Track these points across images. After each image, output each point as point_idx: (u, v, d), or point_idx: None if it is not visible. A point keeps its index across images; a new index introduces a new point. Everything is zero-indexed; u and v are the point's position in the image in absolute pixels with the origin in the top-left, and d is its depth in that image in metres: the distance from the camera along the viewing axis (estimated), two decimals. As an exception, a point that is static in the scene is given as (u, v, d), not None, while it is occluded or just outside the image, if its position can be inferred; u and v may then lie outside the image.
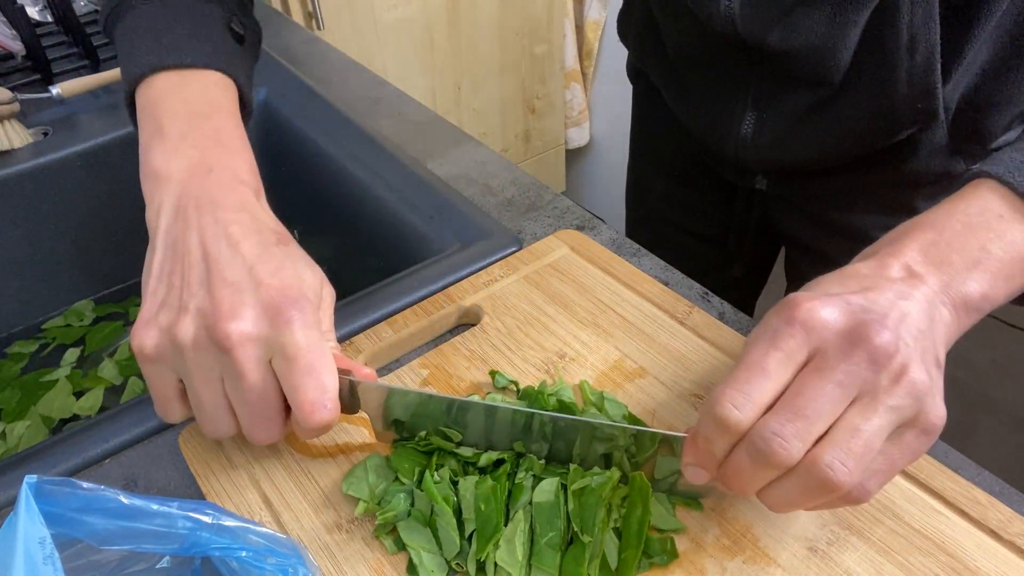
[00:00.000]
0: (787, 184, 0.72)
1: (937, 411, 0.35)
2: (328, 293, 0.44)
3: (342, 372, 0.42)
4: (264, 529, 0.36)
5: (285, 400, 0.41)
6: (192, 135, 0.45)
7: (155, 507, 0.34)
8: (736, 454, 0.35)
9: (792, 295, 0.36)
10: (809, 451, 0.34)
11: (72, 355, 0.80)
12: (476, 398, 0.48)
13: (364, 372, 0.43)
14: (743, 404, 0.34)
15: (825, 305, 0.35)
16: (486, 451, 0.45)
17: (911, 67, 0.56)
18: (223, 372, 0.40)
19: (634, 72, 0.84)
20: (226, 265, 0.40)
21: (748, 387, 0.34)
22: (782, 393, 0.35)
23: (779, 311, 0.36)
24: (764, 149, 0.67)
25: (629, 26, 0.79)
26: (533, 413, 0.42)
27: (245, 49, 0.53)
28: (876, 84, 0.58)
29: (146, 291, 0.41)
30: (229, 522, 0.35)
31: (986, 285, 0.37)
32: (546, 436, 0.43)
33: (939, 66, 0.56)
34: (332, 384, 0.40)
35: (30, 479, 0.32)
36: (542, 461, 0.45)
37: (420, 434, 0.46)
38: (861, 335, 0.34)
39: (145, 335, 0.40)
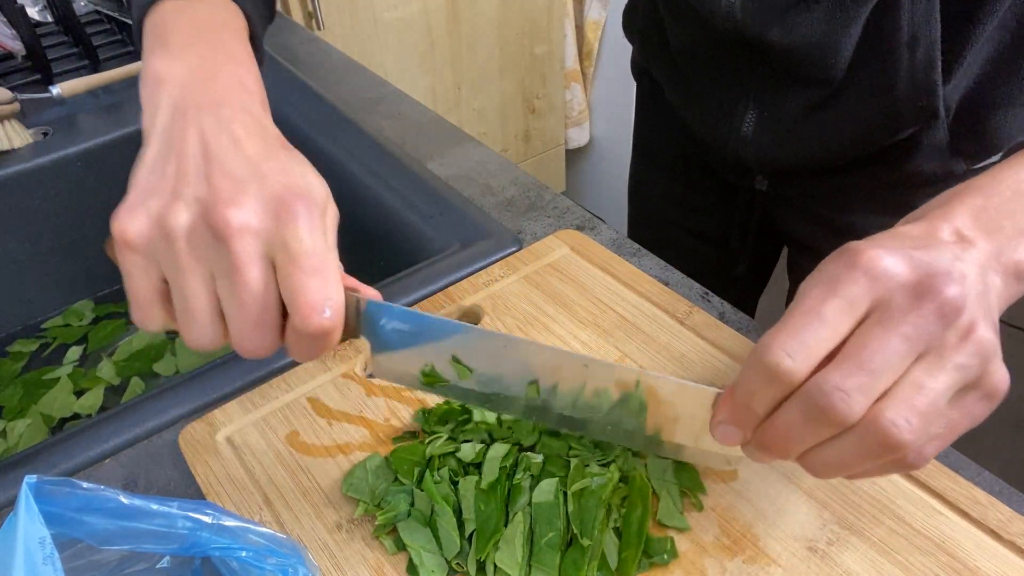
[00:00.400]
0: (788, 184, 0.72)
1: (1001, 374, 0.33)
2: (333, 209, 0.40)
3: (347, 289, 0.38)
4: (264, 529, 0.36)
5: (282, 309, 0.37)
6: (197, 45, 0.43)
7: (155, 507, 0.34)
8: (785, 410, 0.33)
9: (851, 243, 0.33)
10: (871, 407, 0.31)
11: (74, 353, 0.80)
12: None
13: (372, 293, 0.40)
14: (798, 352, 0.31)
15: (890, 254, 0.32)
16: (491, 399, 0.41)
17: (912, 64, 0.56)
18: (216, 266, 0.35)
19: (638, 71, 0.85)
20: (227, 157, 0.37)
21: (804, 334, 0.32)
22: (840, 345, 0.32)
23: (838, 257, 0.33)
24: (765, 148, 0.67)
25: (634, 22, 0.79)
26: (560, 351, 0.39)
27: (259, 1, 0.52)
28: (877, 82, 0.58)
29: (134, 182, 0.38)
30: (229, 522, 0.35)
31: None
32: (558, 387, 0.40)
33: (940, 63, 0.56)
34: (336, 289, 0.36)
35: (30, 479, 0.32)
36: (539, 460, 0.45)
37: (424, 367, 0.41)
38: (930, 287, 0.32)
39: (130, 220, 0.36)
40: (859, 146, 0.63)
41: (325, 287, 0.35)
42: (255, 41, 0.48)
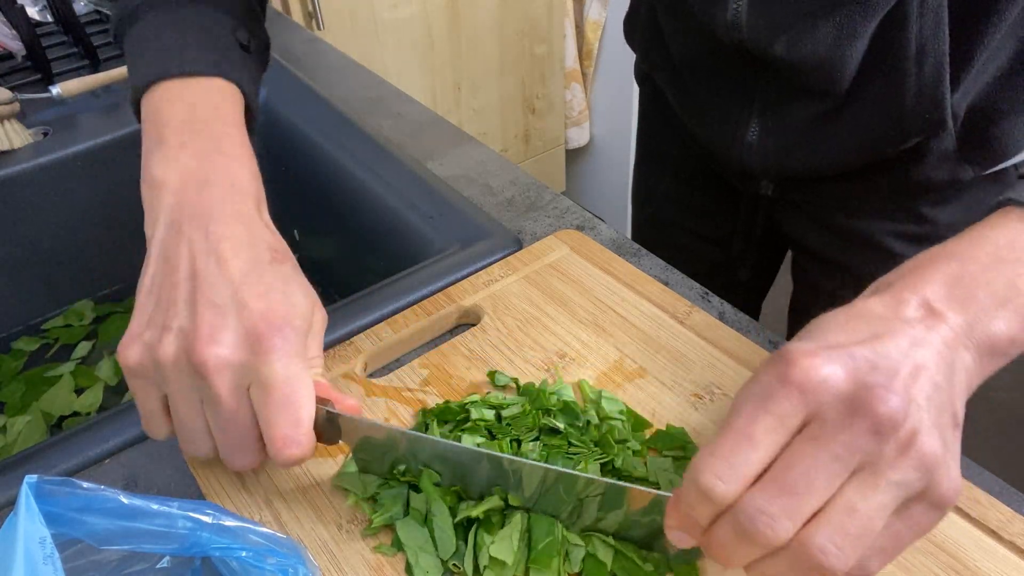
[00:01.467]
0: (793, 190, 0.72)
1: (950, 483, 0.31)
2: (320, 318, 0.43)
3: (322, 402, 0.41)
4: (264, 529, 0.36)
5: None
6: (192, 143, 0.44)
7: (155, 507, 0.34)
8: (720, 526, 0.32)
9: (789, 347, 0.32)
10: (800, 530, 0.30)
11: (83, 348, 0.81)
12: (466, 441, 0.46)
13: (348, 403, 0.42)
14: (727, 475, 0.31)
15: (825, 363, 0.31)
16: (466, 495, 0.43)
17: (920, 77, 0.56)
18: (202, 395, 0.39)
19: (641, 75, 0.84)
20: (212, 284, 0.39)
21: (734, 457, 0.31)
22: (772, 462, 0.31)
23: (773, 366, 0.32)
24: (770, 156, 0.66)
25: (635, 29, 0.78)
26: (523, 464, 0.40)
27: (252, 57, 0.53)
28: (884, 94, 0.58)
29: (137, 305, 0.41)
30: (229, 522, 0.35)
31: (1015, 326, 0.33)
32: (531, 487, 0.41)
33: (948, 76, 0.55)
34: (307, 419, 0.39)
35: (30, 479, 0.32)
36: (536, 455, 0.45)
37: (399, 468, 0.44)
38: (864, 401, 0.30)
39: (129, 351, 0.39)
40: (865, 155, 0.63)
41: (296, 418, 0.38)
42: (250, 109, 0.50)
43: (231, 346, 0.38)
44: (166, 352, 0.38)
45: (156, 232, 0.42)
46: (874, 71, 0.57)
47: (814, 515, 0.30)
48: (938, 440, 0.30)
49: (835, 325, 0.33)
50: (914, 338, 0.32)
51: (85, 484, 0.33)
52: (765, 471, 0.31)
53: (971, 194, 0.63)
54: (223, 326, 0.38)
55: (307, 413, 0.39)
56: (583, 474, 0.39)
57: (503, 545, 0.41)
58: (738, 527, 0.31)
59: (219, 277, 0.39)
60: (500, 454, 0.41)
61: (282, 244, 0.43)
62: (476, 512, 0.41)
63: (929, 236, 0.66)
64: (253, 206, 0.43)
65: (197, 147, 0.44)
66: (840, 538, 0.30)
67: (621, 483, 0.39)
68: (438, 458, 0.43)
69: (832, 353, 0.31)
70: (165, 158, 0.44)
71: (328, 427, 0.42)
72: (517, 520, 0.42)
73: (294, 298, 0.41)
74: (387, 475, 0.45)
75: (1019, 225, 0.36)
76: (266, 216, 0.44)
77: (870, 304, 0.34)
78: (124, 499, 0.34)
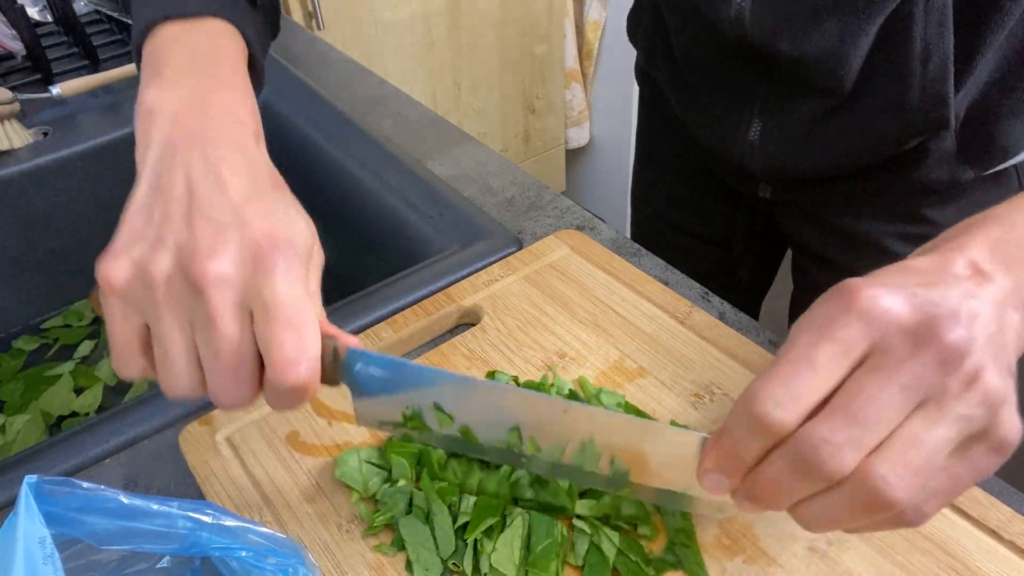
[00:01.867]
0: (792, 191, 0.72)
1: (1012, 424, 0.30)
2: (318, 253, 0.41)
3: (326, 337, 0.38)
4: (264, 529, 0.36)
5: (260, 360, 0.36)
6: (190, 75, 0.43)
7: (155, 507, 0.34)
8: (772, 461, 0.31)
9: (849, 281, 0.31)
10: (862, 462, 0.29)
11: (87, 347, 0.81)
12: (477, 377, 0.44)
13: (351, 341, 0.39)
14: (787, 402, 0.29)
15: (889, 293, 0.30)
16: (474, 446, 0.41)
17: (924, 76, 0.55)
18: (195, 317, 0.35)
19: (641, 74, 0.84)
20: (211, 201, 0.37)
21: (794, 382, 0.30)
22: (833, 392, 0.30)
23: (833, 297, 0.31)
24: (771, 156, 0.66)
25: (638, 26, 0.78)
26: (537, 398, 0.38)
27: (258, 12, 0.52)
28: (888, 93, 0.58)
29: (123, 223, 0.38)
30: (229, 522, 0.35)
31: None
32: (543, 428, 0.39)
33: (952, 75, 0.55)
34: (313, 343, 0.35)
35: (30, 479, 0.32)
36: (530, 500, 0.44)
37: (406, 412, 0.41)
38: (931, 330, 0.29)
39: (114, 265, 0.36)
40: (867, 155, 0.63)
41: (300, 340, 0.35)
42: (255, 65, 0.48)
43: (232, 261, 0.35)
44: (158, 267, 0.35)
45: (148, 156, 0.39)
46: (878, 70, 0.57)
47: (876, 448, 0.29)
48: (1001, 378, 0.30)
49: (889, 272, 0.33)
50: (967, 290, 0.31)
51: (85, 484, 0.33)
52: (825, 401, 0.30)
53: (972, 195, 0.63)
54: (224, 241, 0.35)
55: (313, 336, 0.36)
56: (611, 411, 0.37)
57: (504, 553, 0.41)
58: (797, 459, 0.30)
59: (218, 195, 0.37)
60: (521, 390, 0.38)
61: (279, 177, 0.41)
62: (474, 531, 0.41)
63: (930, 236, 0.66)
64: (252, 137, 0.42)
65: (196, 80, 0.42)
66: (903, 469, 0.29)
67: (651, 421, 0.37)
68: (452, 394, 0.39)
69: (895, 288, 0.30)
70: (161, 87, 0.42)
71: (332, 364, 0.38)
72: (518, 524, 0.42)
73: (296, 223, 0.38)
74: (389, 424, 0.42)
75: None
76: (264, 149, 0.42)
77: (918, 261, 0.33)
78: (124, 499, 0.33)
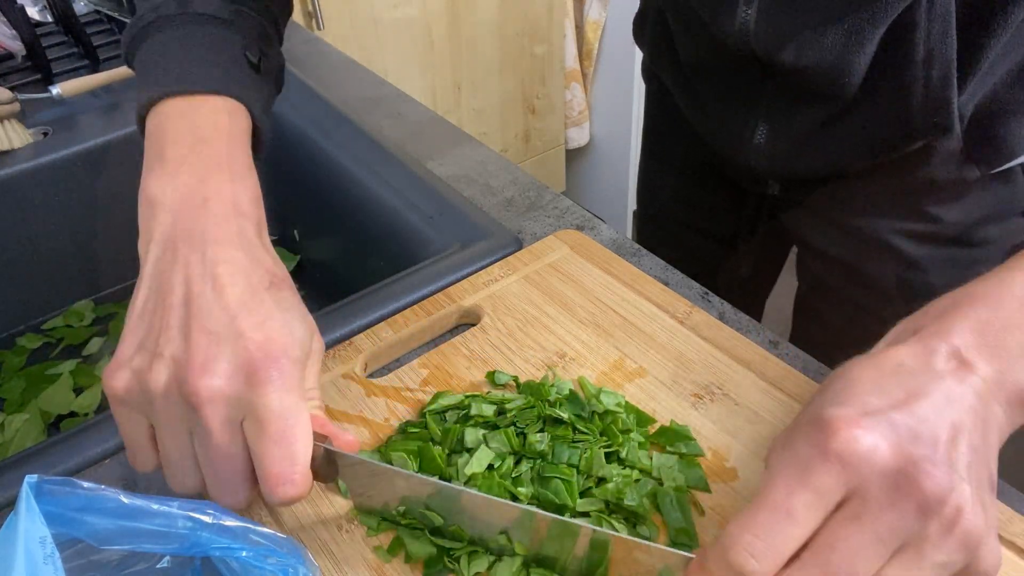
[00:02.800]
0: (799, 189, 0.72)
1: (992, 559, 0.30)
2: (318, 346, 0.42)
3: (319, 438, 0.39)
4: (264, 529, 0.36)
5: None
6: (191, 160, 0.42)
7: (155, 507, 0.34)
8: None
9: (827, 414, 0.30)
10: None
11: (96, 344, 0.82)
12: (463, 487, 0.43)
13: (346, 439, 0.40)
14: (762, 554, 0.29)
15: (867, 433, 0.29)
16: (469, 541, 0.42)
17: (927, 82, 0.55)
18: (192, 427, 0.37)
19: (648, 73, 0.84)
20: (207, 311, 0.37)
21: (770, 533, 0.29)
22: (808, 539, 0.29)
23: (811, 435, 0.30)
24: (777, 159, 0.67)
25: (644, 30, 0.78)
26: (528, 511, 0.39)
27: (263, 79, 0.51)
28: (891, 98, 0.58)
29: (126, 329, 0.39)
30: (229, 522, 0.35)
31: None
32: (538, 533, 0.40)
33: (956, 80, 0.55)
34: (303, 456, 0.37)
35: (31, 479, 0.32)
36: (543, 446, 0.45)
37: (399, 509, 0.42)
38: (910, 478, 0.28)
39: (116, 377, 0.38)
40: (871, 157, 0.63)
41: (290, 456, 0.36)
42: (259, 135, 0.48)
43: (225, 376, 0.36)
44: (156, 380, 0.37)
45: (150, 252, 0.40)
46: (881, 76, 0.57)
47: None
48: (981, 514, 0.29)
49: (867, 383, 0.32)
50: (948, 395, 0.31)
51: (85, 484, 0.33)
52: (801, 548, 0.30)
53: (977, 193, 0.63)
54: (217, 355, 0.36)
55: (303, 449, 0.37)
56: (596, 528, 0.37)
57: (505, 564, 0.41)
58: None
59: (215, 304, 0.37)
60: (506, 501, 0.39)
61: (281, 269, 0.42)
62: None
63: (936, 234, 0.66)
64: (253, 229, 0.42)
65: (197, 165, 0.42)
66: None
67: (636, 539, 0.37)
68: (441, 500, 0.41)
69: (872, 421, 0.30)
70: (163, 175, 0.42)
71: (325, 465, 0.40)
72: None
73: (292, 327, 0.39)
74: (386, 516, 0.43)
75: None
76: (266, 239, 0.43)
77: (900, 355, 0.33)
78: (124, 499, 0.33)
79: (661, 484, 0.44)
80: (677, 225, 0.88)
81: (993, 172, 0.62)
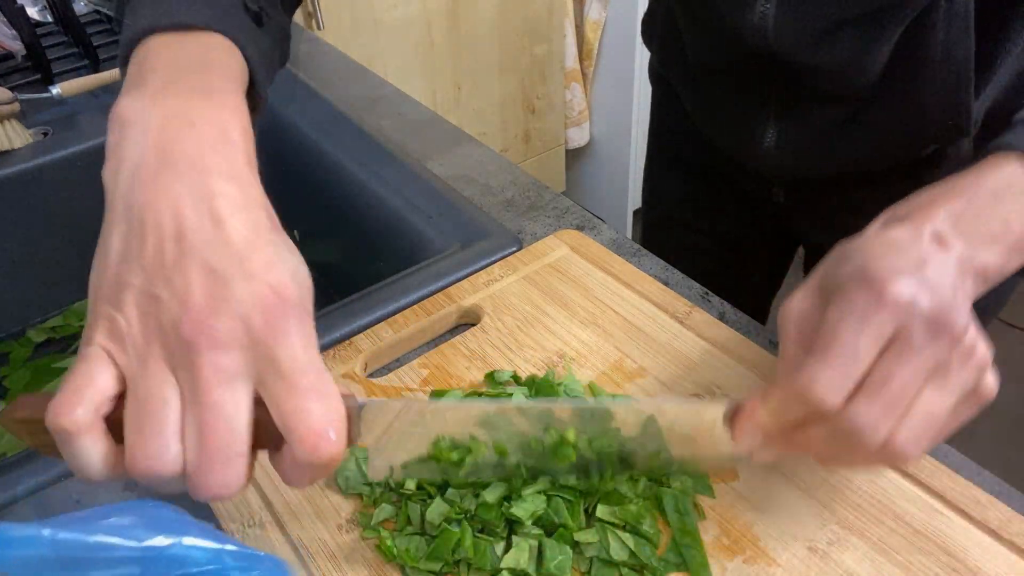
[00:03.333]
0: (806, 195, 0.71)
1: (991, 382, 0.37)
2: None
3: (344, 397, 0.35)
4: (239, 548, 0.30)
5: (253, 440, 0.32)
6: (177, 85, 0.36)
7: (91, 539, 0.27)
8: (816, 428, 0.36)
9: (873, 270, 0.36)
10: (889, 433, 0.35)
11: None
12: (505, 400, 0.45)
13: (352, 391, 0.38)
14: (840, 388, 0.35)
15: (910, 285, 0.35)
16: (505, 466, 0.41)
17: (944, 83, 0.55)
18: (181, 384, 0.31)
19: (655, 75, 0.84)
20: (208, 245, 0.32)
21: (844, 371, 0.35)
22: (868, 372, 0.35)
23: (864, 286, 0.36)
24: (786, 161, 0.66)
25: (652, 31, 0.77)
26: (563, 405, 0.40)
27: (263, 33, 0.46)
28: (906, 99, 0.57)
29: (99, 270, 0.33)
30: (191, 541, 0.29)
31: (1002, 258, 0.39)
32: (584, 424, 0.40)
33: (972, 82, 0.54)
34: (340, 407, 0.32)
35: None
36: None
37: (414, 465, 0.40)
38: (942, 319, 0.35)
39: (97, 326, 0.31)
40: (882, 161, 0.62)
41: (328, 408, 0.32)
42: (255, 87, 0.43)
43: (237, 320, 0.30)
44: (145, 320, 0.31)
45: (119, 182, 0.33)
46: (897, 76, 0.56)
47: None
48: (985, 345, 0.36)
49: (878, 251, 0.37)
50: (943, 263, 0.37)
51: (9, 525, 0.27)
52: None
53: None
54: (226, 296, 0.31)
55: (339, 401, 0.32)
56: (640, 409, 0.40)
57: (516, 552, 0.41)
58: (842, 431, 0.35)
59: (216, 239, 0.32)
60: (548, 403, 0.41)
61: (273, 212, 0.36)
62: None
63: None
64: (244, 160, 0.36)
65: (182, 89, 0.36)
66: (919, 434, 0.35)
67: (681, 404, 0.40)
68: (479, 425, 0.39)
69: (911, 277, 0.36)
70: (141, 96, 0.36)
71: (353, 424, 0.35)
72: (523, 547, 0.41)
73: (299, 270, 0.34)
74: (395, 487, 0.43)
75: (1016, 168, 0.41)
76: (257, 178, 0.36)
77: (895, 234, 0.38)
78: (47, 533, 0.27)
79: (668, 486, 0.44)
80: (683, 228, 0.87)
81: None
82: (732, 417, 0.39)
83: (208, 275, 0.31)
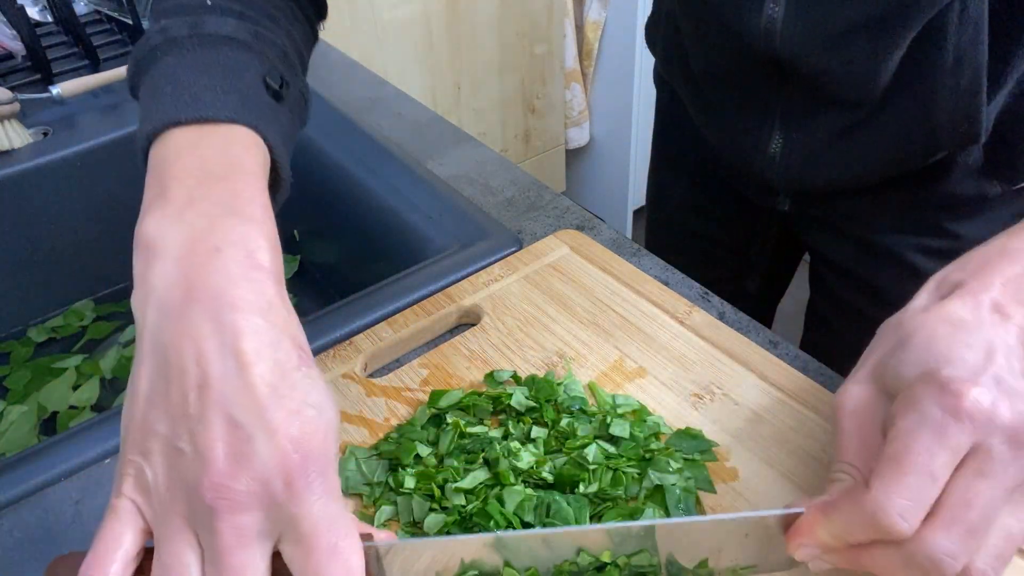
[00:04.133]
0: (812, 204, 0.70)
1: None
2: (336, 421, 0.36)
3: (365, 542, 0.34)
4: None
5: None
6: (199, 199, 0.36)
7: None
8: (883, 553, 0.33)
9: (946, 375, 0.33)
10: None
11: (129, 333, 0.82)
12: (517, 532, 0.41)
13: (382, 534, 0.36)
14: (912, 514, 0.32)
15: (987, 393, 0.33)
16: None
17: (956, 89, 0.54)
18: (203, 542, 0.31)
19: (659, 80, 0.83)
20: (231, 398, 0.31)
21: (917, 494, 0.32)
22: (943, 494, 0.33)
23: (937, 395, 0.33)
24: (792, 170, 0.64)
25: (656, 37, 0.77)
26: (591, 530, 0.37)
27: (283, 109, 0.45)
28: (916, 106, 0.56)
29: (131, 416, 0.33)
30: None
31: None
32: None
33: (985, 88, 0.53)
34: (359, 568, 0.32)
35: None
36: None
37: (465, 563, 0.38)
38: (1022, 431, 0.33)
39: (125, 475, 0.32)
40: (891, 169, 0.61)
41: (348, 569, 0.31)
42: (278, 171, 0.43)
43: (256, 481, 0.30)
44: (169, 477, 0.31)
45: (147, 315, 0.34)
46: (907, 82, 0.55)
47: None
48: None
49: (945, 339, 0.35)
50: (1008, 345, 0.34)
51: None
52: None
53: (997, 210, 0.62)
54: (247, 454, 0.30)
55: (358, 557, 0.32)
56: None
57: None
58: (914, 560, 0.32)
59: (240, 388, 0.31)
60: (557, 529, 0.38)
61: (302, 333, 0.35)
62: None
63: (954, 251, 0.64)
64: (272, 287, 0.35)
65: (206, 205, 0.36)
66: (998, 557, 0.33)
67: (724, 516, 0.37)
68: (507, 548, 0.38)
69: (987, 382, 0.33)
70: (164, 215, 0.35)
71: (375, 567, 0.35)
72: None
73: (324, 410, 0.33)
74: None
75: None
76: (285, 296, 0.36)
77: (955, 309, 0.36)
78: None
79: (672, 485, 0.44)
80: (686, 233, 0.87)
81: (1014, 188, 0.60)
82: (788, 529, 0.36)
83: (230, 429, 0.31)
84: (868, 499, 0.33)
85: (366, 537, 0.34)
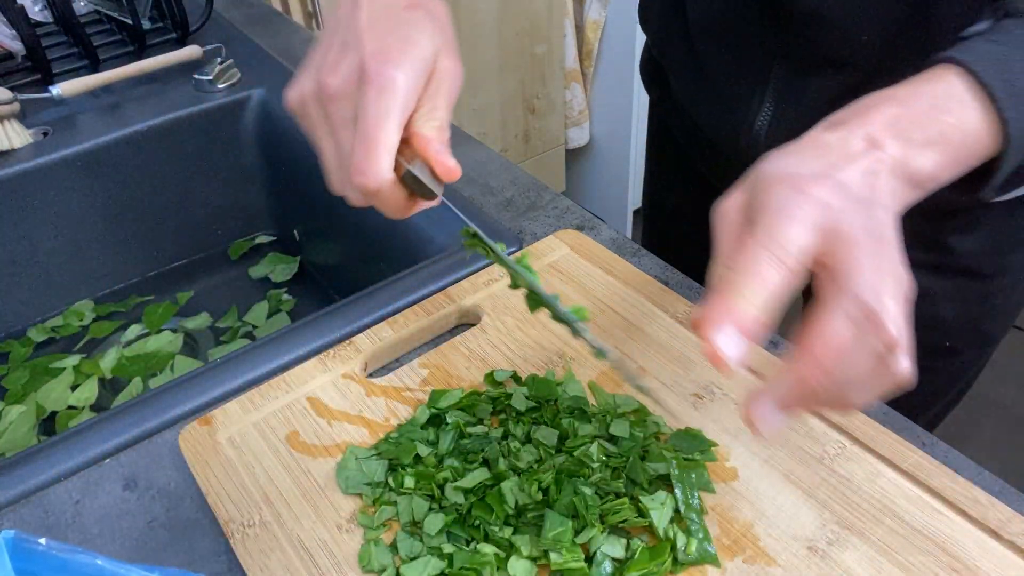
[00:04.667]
0: None
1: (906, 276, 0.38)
2: (447, 66, 0.46)
3: (411, 158, 0.44)
4: None
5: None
6: None
7: (135, 573, 0.31)
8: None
9: (791, 171, 0.38)
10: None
11: (134, 331, 0.82)
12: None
13: (448, 165, 0.46)
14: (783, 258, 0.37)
15: (826, 191, 0.37)
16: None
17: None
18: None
19: (648, 77, 0.83)
20: (345, 27, 0.43)
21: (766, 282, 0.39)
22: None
23: (781, 186, 0.38)
24: (779, 145, 0.64)
25: (650, 9, 0.75)
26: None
27: None
28: (914, 69, 0.55)
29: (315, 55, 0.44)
30: None
31: (936, 166, 0.39)
32: None
33: None
34: (381, 156, 0.41)
35: (7, 534, 0.30)
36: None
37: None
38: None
39: (291, 91, 0.44)
40: None
41: (367, 156, 0.41)
42: None
43: (343, 77, 0.41)
44: (307, 86, 0.43)
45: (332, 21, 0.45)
46: (902, 45, 0.54)
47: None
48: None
49: (803, 150, 0.39)
50: (871, 169, 0.38)
51: (63, 545, 0.31)
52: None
53: (992, 222, 0.61)
54: (341, 61, 0.41)
55: (382, 151, 0.41)
56: None
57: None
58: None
59: (351, 21, 0.42)
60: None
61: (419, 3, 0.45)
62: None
63: (947, 265, 0.64)
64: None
65: None
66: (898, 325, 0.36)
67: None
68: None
69: (830, 183, 0.37)
70: None
71: (415, 183, 0.45)
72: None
73: (412, 41, 0.42)
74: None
75: (955, 79, 0.41)
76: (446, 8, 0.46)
77: (826, 136, 0.40)
78: (101, 562, 0.31)
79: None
80: (682, 239, 0.86)
81: (1010, 198, 0.59)
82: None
83: (339, 48, 0.42)
84: (714, 268, 0.39)
85: (412, 156, 0.44)
